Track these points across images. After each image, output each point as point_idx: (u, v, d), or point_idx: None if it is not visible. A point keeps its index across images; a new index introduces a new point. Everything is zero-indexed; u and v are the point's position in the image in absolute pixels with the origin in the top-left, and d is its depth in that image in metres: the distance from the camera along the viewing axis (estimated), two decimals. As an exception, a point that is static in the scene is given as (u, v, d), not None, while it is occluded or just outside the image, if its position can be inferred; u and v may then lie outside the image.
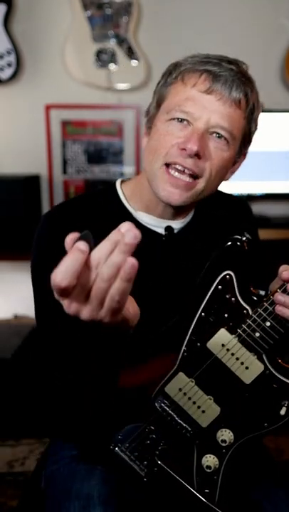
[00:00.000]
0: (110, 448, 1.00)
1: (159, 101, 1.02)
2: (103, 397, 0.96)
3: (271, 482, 1.04)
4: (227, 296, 0.94)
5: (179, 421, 0.97)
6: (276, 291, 0.90)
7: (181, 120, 0.96)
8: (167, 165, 0.97)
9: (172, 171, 0.97)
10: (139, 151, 2.66)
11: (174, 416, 0.97)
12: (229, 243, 0.94)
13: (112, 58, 2.47)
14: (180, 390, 0.96)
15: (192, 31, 2.53)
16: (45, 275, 0.98)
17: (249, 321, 0.92)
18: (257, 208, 2.70)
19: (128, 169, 2.68)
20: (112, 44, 2.46)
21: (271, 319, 0.90)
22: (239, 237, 0.94)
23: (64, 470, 1.05)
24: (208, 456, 0.95)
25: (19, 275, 2.66)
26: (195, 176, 0.97)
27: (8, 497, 1.92)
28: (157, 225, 1.07)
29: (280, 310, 0.89)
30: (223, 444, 0.94)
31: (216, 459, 0.95)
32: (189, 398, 0.96)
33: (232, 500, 0.97)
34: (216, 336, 0.94)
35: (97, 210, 1.05)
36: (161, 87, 1.01)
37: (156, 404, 0.97)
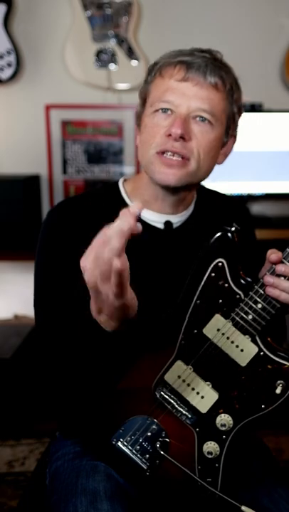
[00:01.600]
0: (112, 443, 1.01)
1: (143, 98, 1.09)
2: (105, 388, 0.99)
3: (272, 479, 1.04)
4: (220, 283, 0.98)
5: (180, 408, 0.99)
6: (265, 274, 0.95)
7: (165, 110, 1.02)
8: (158, 153, 1.04)
9: (165, 155, 1.03)
10: (139, 151, 2.66)
11: (174, 404, 0.99)
12: (220, 233, 0.99)
13: (112, 58, 2.47)
14: (179, 377, 0.99)
15: (192, 31, 2.53)
16: (51, 267, 1.05)
17: (242, 305, 0.96)
18: (257, 208, 2.70)
19: (128, 169, 2.68)
20: (112, 44, 2.46)
21: (262, 301, 0.95)
22: (228, 228, 0.99)
23: (68, 466, 1.05)
24: (208, 442, 0.98)
25: (19, 275, 2.66)
26: (185, 158, 1.03)
27: (8, 497, 1.92)
28: (157, 220, 1.12)
29: (269, 291, 0.94)
30: (223, 429, 0.97)
31: (216, 445, 0.97)
32: (188, 385, 0.99)
33: (234, 490, 0.98)
34: (211, 321, 0.98)
35: (100, 205, 1.10)
36: (144, 86, 1.10)
37: (156, 394, 1.00)
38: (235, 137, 1.14)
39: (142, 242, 1.05)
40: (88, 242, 1.00)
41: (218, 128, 1.05)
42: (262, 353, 0.96)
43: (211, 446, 0.97)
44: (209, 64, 1.02)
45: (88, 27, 2.45)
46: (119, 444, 1.01)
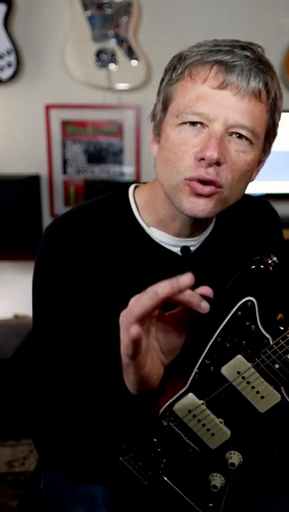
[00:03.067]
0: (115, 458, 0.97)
1: (165, 102, 0.88)
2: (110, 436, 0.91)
3: (271, 487, 1.01)
4: (247, 324, 0.87)
5: (187, 441, 0.92)
6: None
7: (194, 123, 0.83)
8: (187, 180, 0.86)
9: (194, 183, 0.85)
10: (139, 151, 2.66)
11: (182, 435, 0.92)
12: (253, 266, 0.86)
13: (112, 58, 2.47)
14: (189, 411, 0.91)
15: (192, 31, 2.53)
16: (50, 290, 0.93)
17: (269, 352, 0.85)
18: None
19: (128, 169, 2.68)
20: (112, 44, 2.46)
21: None
22: (264, 260, 0.86)
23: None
24: (214, 474, 0.91)
25: (19, 275, 2.66)
26: (218, 186, 0.85)
27: (8, 497, 1.92)
28: (172, 243, 0.97)
29: None
30: (232, 468, 0.90)
31: (222, 478, 0.91)
32: (199, 420, 0.91)
33: (237, 500, 0.95)
34: (231, 362, 0.88)
35: (107, 222, 0.95)
36: (166, 86, 0.88)
37: (163, 422, 0.92)
38: (269, 152, 0.98)
39: (158, 269, 0.93)
40: (93, 270, 0.90)
41: (257, 146, 0.88)
42: (284, 402, 0.87)
43: (216, 479, 0.91)
44: (253, 67, 0.82)
45: (88, 27, 2.45)
46: (122, 459, 0.95)
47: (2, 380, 2.26)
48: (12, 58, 2.45)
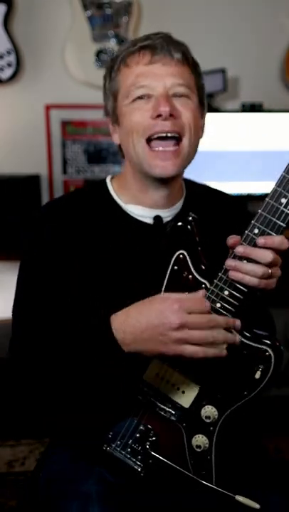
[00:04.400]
0: (102, 448, 1.00)
1: (114, 94, 1.06)
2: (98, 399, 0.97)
3: (265, 483, 1.03)
4: (184, 275, 0.97)
5: (162, 406, 0.99)
6: (227, 259, 0.92)
7: (142, 97, 1.01)
8: (149, 140, 1.02)
9: (156, 147, 1.02)
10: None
11: (156, 402, 0.99)
12: (176, 224, 0.98)
13: (112, 58, 2.46)
14: (157, 375, 0.98)
15: (192, 31, 2.53)
16: (36, 278, 1.05)
17: (208, 294, 0.94)
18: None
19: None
20: (112, 44, 2.46)
21: (228, 287, 0.93)
22: (185, 218, 0.98)
23: (62, 470, 1.05)
24: (196, 436, 0.97)
25: (19, 275, 2.65)
26: (178, 138, 1.02)
27: (8, 497, 1.92)
28: (147, 215, 1.09)
29: (232, 274, 0.91)
30: (208, 421, 0.96)
31: (204, 437, 0.97)
32: (167, 381, 0.98)
33: (230, 481, 0.98)
34: None
35: (87, 205, 1.10)
36: (110, 84, 1.07)
37: (139, 397, 0.99)
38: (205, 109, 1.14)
39: (133, 241, 1.07)
40: (79, 248, 1.03)
41: (194, 100, 1.05)
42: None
43: (199, 440, 0.97)
44: (169, 42, 1.03)
45: (88, 27, 2.45)
46: (110, 449, 1.00)
47: (2, 380, 2.26)
48: (12, 58, 2.45)
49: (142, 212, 1.09)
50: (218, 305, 0.93)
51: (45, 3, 2.51)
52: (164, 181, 1.05)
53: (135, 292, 1.00)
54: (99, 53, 2.47)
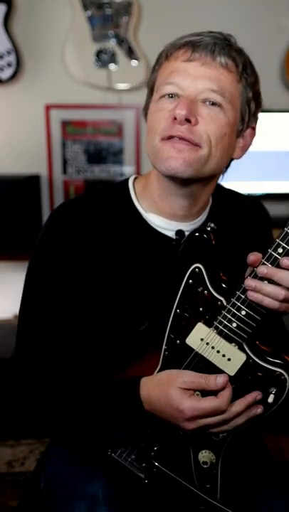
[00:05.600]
0: (107, 454, 0.99)
1: (151, 88, 1.00)
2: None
3: (269, 486, 1.02)
4: (199, 290, 0.92)
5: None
6: (246, 278, 0.87)
7: (171, 96, 0.93)
8: (163, 140, 0.94)
9: (169, 141, 0.93)
10: (139, 151, 2.66)
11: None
12: (192, 235, 0.92)
13: (112, 58, 2.47)
14: None
15: (192, 31, 2.53)
16: (47, 279, 1.00)
17: (224, 312, 0.89)
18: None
19: (128, 169, 2.68)
20: (112, 44, 2.46)
21: (246, 307, 0.88)
22: (203, 228, 0.92)
23: (66, 471, 1.04)
24: (203, 452, 0.94)
25: (19, 275, 2.64)
26: (194, 144, 0.92)
27: (8, 497, 1.92)
28: (168, 227, 1.02)
29: (251, 295, 0.86)
30: (216, 439, 0.93)
31: (211, 453, 0.94)
32: None
33: (234, 497, 0.96)
34: (193, 331, 0.92)
35: (106, 210, 1.02)
36: (151, 76, 1.01)
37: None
38: (254, 129, 1.03)
39: (152, 253, 1.01)
40: (94, 255, 0.98)
41: (230, 112, 0.94)
42: (251, 361, 0.90)
43: (206, 456, 0.94)
44: (218, 42, 0.93)
45: (88, 27, 2.45)
46: (114, 455, 0.99)
47: (2, 380, 2.26)
48: (12, 58, 2.45)
49: (164, 224, 1.01)
50: (234, 324, 0.89)
51: (45, 3, 2.51)
52: (182, 182, 0.96)
53: (147, 304, 0.98)
54: (99, 53, 2.47)
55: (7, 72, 2.46)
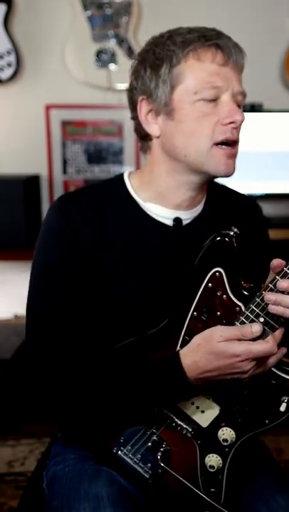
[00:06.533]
0: (113, 452, 0.99)
1: (172, 84, 0.98)
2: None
3: (271, 487, 1.02)
4: (218, 294, 0.92)
5: (179, 422, 0.96)
6: (267, 286, 0.87)
7: (210, 100, 0.98)
8: (215, 144, 0.99)
9: (222, 146, 1.00)
10: (139, 151, 2.65)
11: (174, 417, 0.96)
12: (217, 238, 0.92)
13: (112, 58, 2.47)
14: None
15: (192, 31, 2.53)
16: (52, 266, 1.01)
17: (242, 318, 0.89)
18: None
19: (128, 169, 2.68)
20: (112, 44, 2.46)
21: (264, 315, 0.88)
22: (227, 232, 0.93)
23: (69, 470, 1.03)
24: (210, 455, 0.94)
25: (19, 275, 2.65)
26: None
27: (8, 497, 1.92)
28: (166, 215, 1.06)
29: (273, 309, 0.87)
30: (225, 444, 0.93)
31: (218, 458, 0.94)
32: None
33: (238, 501, 0.97)
34: None
35: (106, 200, 1.06)
36: (170, 70, 0.98)
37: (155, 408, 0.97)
38: None
39: (151, 240, 1.05)
40: (96, 243, 1.01)
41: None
42: None
43: (213, 460, 0.94)
44: (236, 47, 0.99)
45: (88, 27, 2.45)
46: (120, 453, 0.99)
47: (2, 380, 2.26)
48: (12, 58, 2.45)
49: (162, 213, 1.06)
50: None
51: (45, 3, 2.51)
52: (205, 180, 1.04)
53: (150, 292, 1.00)
54: (99, 53, 2.47)
55: (7, 72, 2.47)
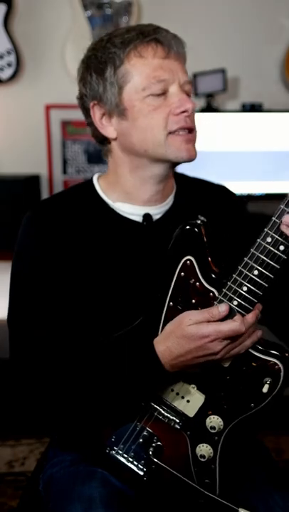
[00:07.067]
0: (106, 452, 1.00)
1: (120, 85, 1.00)
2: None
3: (269, 485, 1.02)
4: (191, 282, 0.93)
5: (166, 414, 0.97)
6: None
7: (162, 92, 1.00)
8: (171, 133, 1.01)
9: (180, 132, 1.01)
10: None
11: (160, 410, 0.97)
12: (185, 228, 0.94)
13: (112, 58, 2.46)
14: None
15: (192, 31, 2.52)
16: (30, 280, 1.03)
17: (216, 303, 0.91)
18: (257, 208, 2.70)
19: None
20: (112, 44, 2.46)
21: (237, 297, 0.90)
22: (193, 222, 0.94)
23: (64, 473, 1.04)
24: (201, 445, 0.95)
25: (19, 275, 2.66)
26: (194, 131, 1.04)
27: (8, 497, 1.92)
28: (136, 213, 1.07)
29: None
30: (213, 431, 0.94)
31: (209, 447, 0.95)
32: (172, 390, 0.96)
33: (235, 497, 0.97)
34: None
35: (76, 205, 1.08)
36: (115, 72, 1.00)
37: (142, 403, 0.98)
38: None
39: (119, 237, 1.06)
40: (69, 249, 1.03)
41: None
42: (245, 351, 0.92)
43: (203, 449, 0.95)
44: (176, 38, 1.02)
45: (88, 27, 2.45)
46: (113, 452, 0.99)
47: (2, 380, 2.26)
48: (12, 58, 2.45)
49: (131, 210, 1.07)
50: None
51: (45, 3, 2.51)
52: (171, 171, 1.06)
53: (125, 291, 1.01)
54: (99, 53, 2.46)
55: (7, 72, 2.47)
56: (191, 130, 1.02)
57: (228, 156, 2.43)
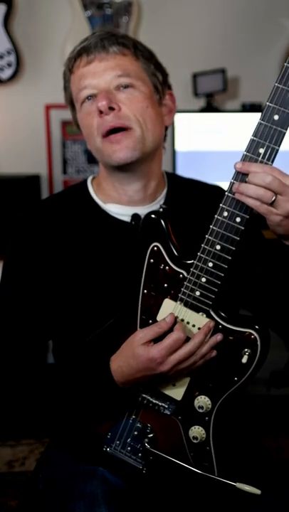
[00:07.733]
0: (103, 450, 1.01)
1: (71, 104, 1.12)
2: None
3: (268, 485, 1.01)
4: (161, 267, 0.96)
5: (155, 401, 0.98)
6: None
7: (89, 98, 1.03)
8: (104, 137, 1.04)
9: (109, 136, 1.03)
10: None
11: (149, 398, 0.98)
12: (149, 216, 0.97)
13: (112, 58, 2.46)
14: None
15: (192, 31, 2.53)
16: (23, 284, 1.05)
17: (186, 283, 0.94)
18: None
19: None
20: (112, 44, 2.46)
21: (204, 274, 0.92)
22: (155, 210, 0.98)
23: (64, 472, 1.04)
24: (193, 428, 0.97)
25: (19, 275, 2.66)
26: (126, 129, 1.02)
27: (8, 497, 1.92)
28: (125, 213, 1.08)
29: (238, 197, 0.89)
30: (201, 411, 0.95)
31: (200, 428, 0.96)
32: (157, 376, 0.97)
33: (233, 472, 0.97)
34: (162, 307, 0.96)
35: (69, 207, 1.10)
36: (66, 94, 1.14)
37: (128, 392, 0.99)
38: (171, 95, 1.12)
39: (108, 238, 1.07)
40: (62, 250, 1.05)
41: (142, 87, 1.04)
42: (220, 326, 0.93)
43: (195, 431, 0.96)
44: (104, 38, 1.03)
45: (88, 27, 2.45)
46: (110, 449, 1.01)
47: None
48: (12, 58, 2.45)
49: (120, 211, 1.08)
50: (198, 293, 0.93)
51: (45, 3, 2.51)
52: (126, 169, 1.04)
53: (115, 290, 1.03)
54: (99, 53, 2.47)
55: (7, 72, 2.47)
56: (119, 129, 1.01)
57: (228, 156, 2.42)
